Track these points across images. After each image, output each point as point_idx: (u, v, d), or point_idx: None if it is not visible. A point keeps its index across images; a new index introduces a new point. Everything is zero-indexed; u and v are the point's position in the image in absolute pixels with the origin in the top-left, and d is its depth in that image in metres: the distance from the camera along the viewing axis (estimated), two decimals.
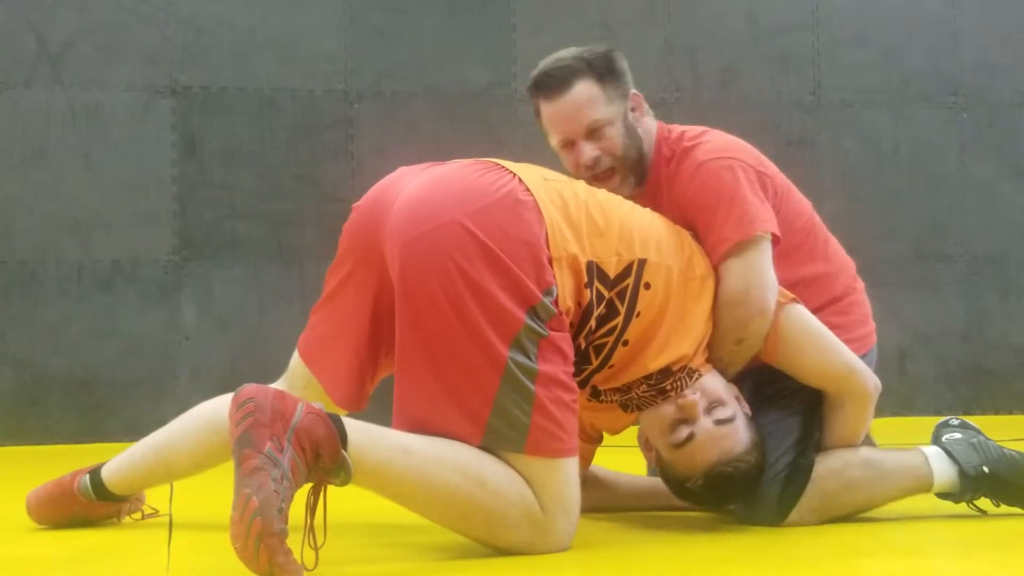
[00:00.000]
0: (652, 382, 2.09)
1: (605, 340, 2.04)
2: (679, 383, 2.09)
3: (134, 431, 4.42)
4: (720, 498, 2.19)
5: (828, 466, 2.22)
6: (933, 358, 5.07)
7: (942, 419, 2.42)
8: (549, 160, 5.33)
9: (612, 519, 2.39)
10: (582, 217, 2.02)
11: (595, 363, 2.07)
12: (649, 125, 2.42)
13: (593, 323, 2.01)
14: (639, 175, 2.36)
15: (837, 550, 2.03)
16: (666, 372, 2.08)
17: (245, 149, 4.69)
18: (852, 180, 5.09)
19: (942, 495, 2.25)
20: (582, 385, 2.11)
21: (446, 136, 4.84)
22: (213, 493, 2.82)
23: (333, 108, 4.76)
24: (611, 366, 2.08)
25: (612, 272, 2.01)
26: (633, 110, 2.39)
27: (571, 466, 1.93)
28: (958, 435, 2.30)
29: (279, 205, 4.67)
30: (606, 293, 2.01)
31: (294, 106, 4.73)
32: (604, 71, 2.36)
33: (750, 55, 5.10)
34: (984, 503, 2.26)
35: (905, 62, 5.23)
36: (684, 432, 2.09)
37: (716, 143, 2.33)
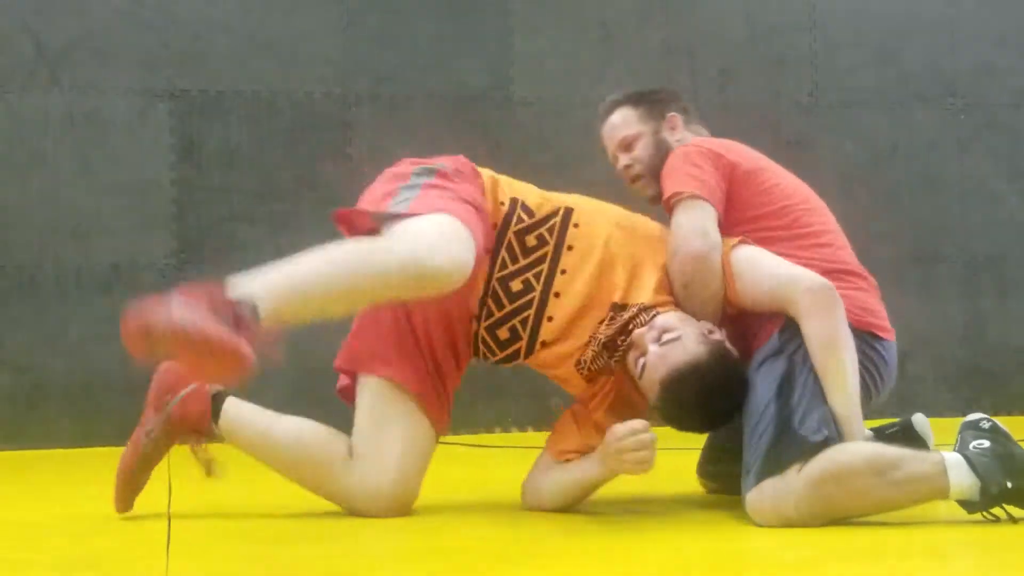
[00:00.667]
0: (616, 323, 2.36)
1: (540, 268, 2.44)
2: (637, 322, 2.34)
3: None
4: (683, 404, 2.31)
5: (832, 471, 2.18)
6: (932, 359, 5.07)
7: (972, 418, 2.32)
8: (544, 161, 5.37)
9: (607, 521, 2.39)
10: (518, 183, 2.60)
11: (537, 292, 2.42)
12: (688, 140, 2.79)
13: (513, 237, 2.45)
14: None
15: (834, 553, 2.02)
16: (623, 307, 2.39)
17: (243, 152, 4.69)
18: (850, 181, 5.08)
19: (959, 501, 2.20)
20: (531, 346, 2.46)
21: (444, 138, 4.82)
22: (213, 493, 2.82)
23: (331, 111, 4.76)
24: (557, 294, 2.43)
25: (536, 211, 2.49)
26: (672, 128, 2.82)
27: (445, 220, 2.21)
28: (986, 443, 2.20)
29: (278, 208, 4.67)
30: (528, 221, 2.47)
31: (292, 109, 4.73)
32: (640, 98, 2.87)
33: (748, 57, 5.10)
34: (999, 511, 2.19)
35: (902, 63, 5.24)
36: (640, 362, 2.33)
37: (698, 139, 2.76)
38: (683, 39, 5.05)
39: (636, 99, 2.87)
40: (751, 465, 2.24)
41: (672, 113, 2.85)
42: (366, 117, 4.78)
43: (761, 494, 2.21)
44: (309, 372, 4.68)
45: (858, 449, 2.24)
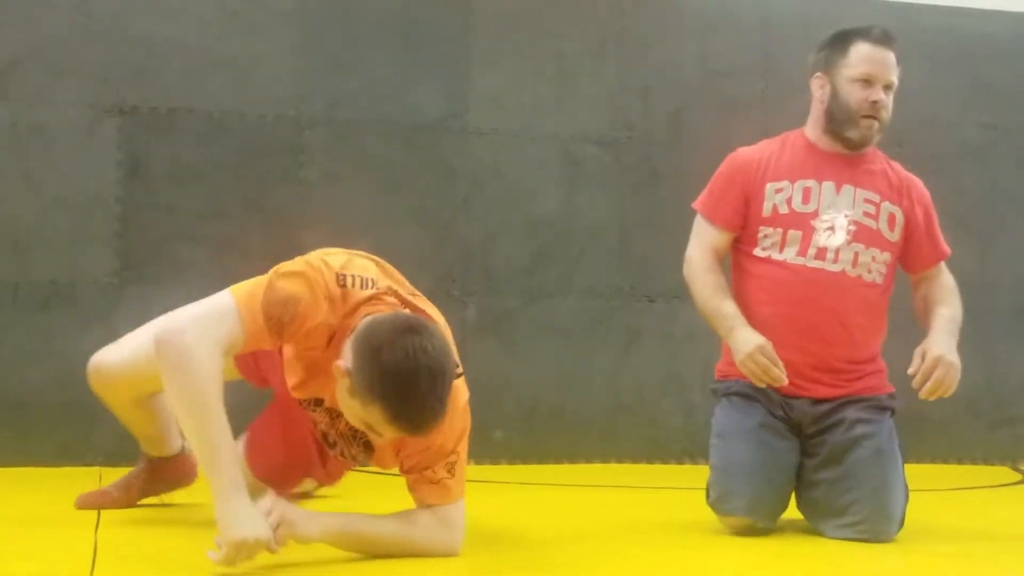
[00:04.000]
0: None
1: None
2: None
3: (68, 455, 4.33)
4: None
5: None
6: None
7: None
8: (497, 193, 5.35)
9: (612, 537, 2.37)
10: None
11: None
12: None
13: None
14: (879, 137, 2.97)
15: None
16: None
17: (192, 171, 4.63)
18: None
19: None
20: None
21: (397, 166, 4.83)
22: (143, 525, 2.76)
23: (284, 133, 4.72)
24: None
25: None
26: None
27: None
28: None
29: (224, 230, 4.61)
30: None
31: (244, 130, 4.68)
32: (897, 60, 2.89)
33: (701, 97, 5.14)
34: None
35: None
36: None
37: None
38: (638, 78, 5.09)
39: (898, 59, 2.89)
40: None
41: None
42: (319, 141, 4.75)
43: None
44: (250, 392, 4.61)
45: None
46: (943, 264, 2.93)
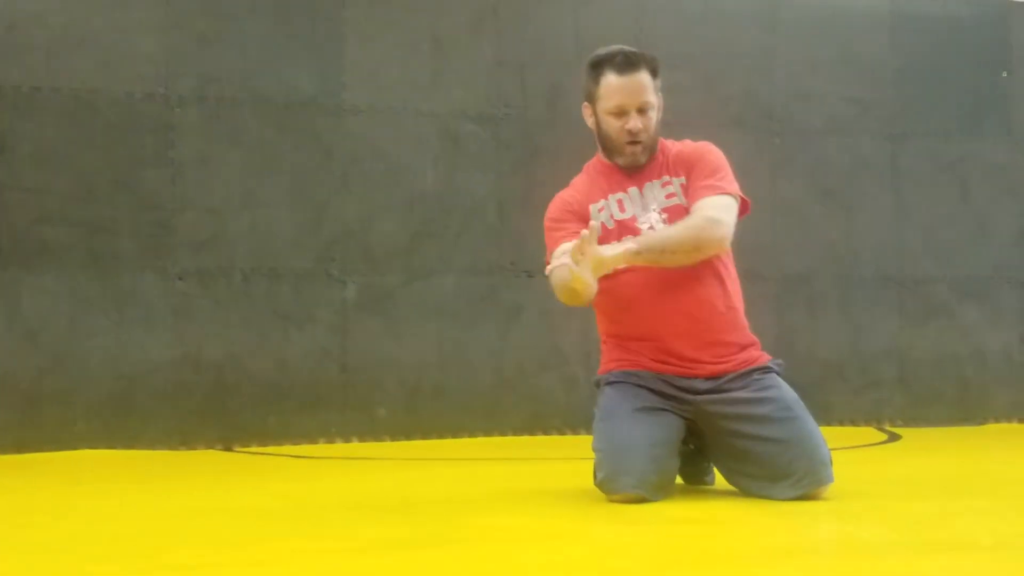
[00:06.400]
0: None
1: None
2: None
3: None
4: None
5: None
6: None
7: None
8: (376, 171, 5.32)
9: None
10: None
11: None
12: None
13: None
14: (650, 153, 2.91)
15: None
16: None
17: (58, 152, 4.49)
18: None
19: None
20: None
21: (272, 144, 4.76)
22: None
23: (153, 112, 4.61)
24: None
25: None
26: (660, 111, 2.92)
27: None
28: None
29: (93, 211, 4.49)
30: None
31: (111, 109, 4.56)
32: (656, 70, 2.89)
33: (577, 74, 5.18)
34: None
35: (723, 86, 5.43)
36: None
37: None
38: (514, 54, 5.11)
39: (654, 69, 2.87)
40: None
41: (661, 96, 2.91)
42: (190, 120, 4.66)
43: None
44: (124, 379, 4.51)
45: None
46: (717, 198, 2.83)
